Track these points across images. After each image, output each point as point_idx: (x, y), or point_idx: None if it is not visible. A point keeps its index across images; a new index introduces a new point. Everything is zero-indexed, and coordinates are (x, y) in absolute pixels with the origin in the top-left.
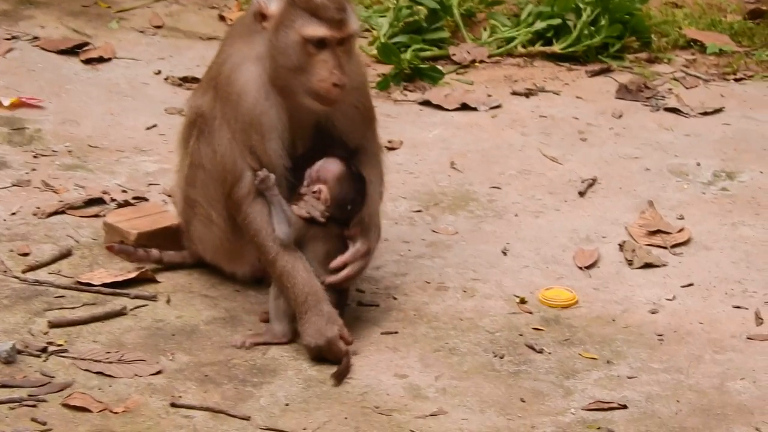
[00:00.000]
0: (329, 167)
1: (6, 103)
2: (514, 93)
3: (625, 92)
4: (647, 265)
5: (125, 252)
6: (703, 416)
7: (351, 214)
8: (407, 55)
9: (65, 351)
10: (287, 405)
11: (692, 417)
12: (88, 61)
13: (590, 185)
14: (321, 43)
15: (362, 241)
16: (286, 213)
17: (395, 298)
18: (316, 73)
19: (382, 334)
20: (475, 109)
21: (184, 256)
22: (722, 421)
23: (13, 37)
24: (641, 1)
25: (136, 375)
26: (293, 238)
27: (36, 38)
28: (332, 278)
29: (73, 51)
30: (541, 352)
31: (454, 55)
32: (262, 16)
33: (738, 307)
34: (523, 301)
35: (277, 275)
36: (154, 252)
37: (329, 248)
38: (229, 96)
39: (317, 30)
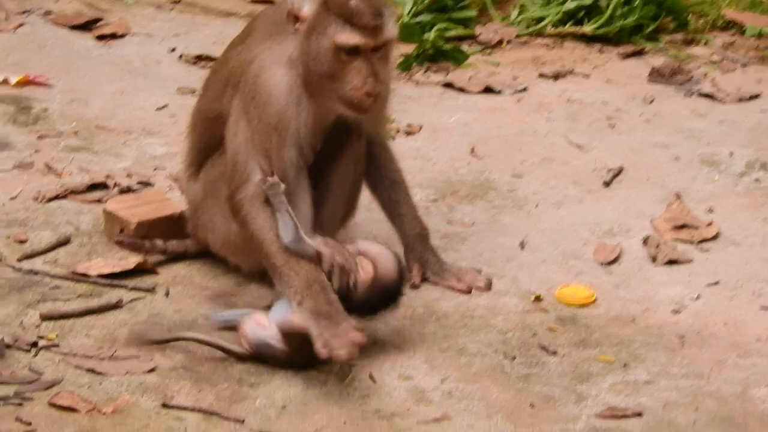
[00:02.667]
0: (383, 253)
1: (13, 81)
2: (542, 76)
3: (657, 76)
4: (672, 262)
5: (133, 245)
6: (723, 426)
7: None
8: (431, 34)
9: (56, 346)
10: (284, 407)
11: (711, 427)
12: (100, 38)
13: (616, 175)
14: (354, 51)
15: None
16: (292, 220)
17: (404, 294)
18: (349, 81)
19: (387, 332)
20: (499, 92)
21: (187, 246)
22: (743, 431)
23: (26, 11)
24: None
25: (128, 373)
26: (298, 247)
27: (49, 13)
28: None
29: (86, 27)
30: (554, 353)
31: (480, 34)
32: (295, 18)
33: (766, 308)
34: (538, 299)
35: (278, 274)
36: (159, 243)
37: None
38: (255, 96)
39: (351, 38)
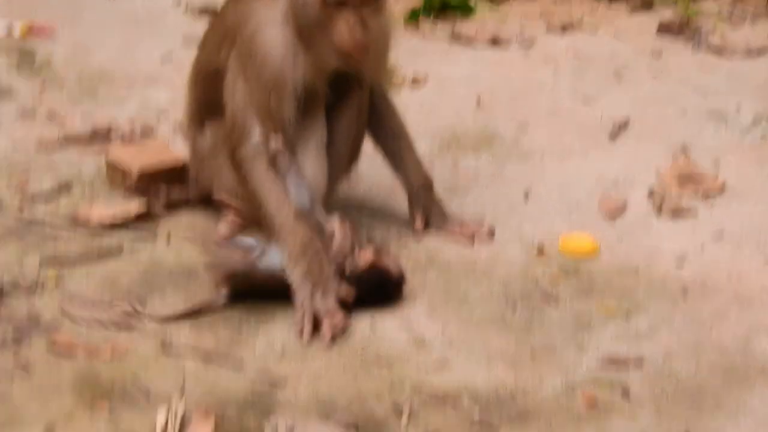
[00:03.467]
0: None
1: (17, 30)
2: (549, 29)
3: (666, 30)
4: (676, 214)
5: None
6: (724, 377)
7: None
8: None
9: (55, 290)
10: (283, 353)
11: (712, 377)
12: None
13: (622, 128)
14: (341, 2)
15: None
16: (303, 178)
17: (407, 242)
18: (337, 32)
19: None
20: (506, 45)
21: (189, 194)
22: (744, 382)
23: None
24: None
25: (127, 318)
26: (310, 213)
27: None
28: None
29: None
30: (556, 303)
31: None
32: None
33: None
34: (541, 249)
35: (275, 233)
36: (162, 189)
37: None
38: (252, 55)
39: None
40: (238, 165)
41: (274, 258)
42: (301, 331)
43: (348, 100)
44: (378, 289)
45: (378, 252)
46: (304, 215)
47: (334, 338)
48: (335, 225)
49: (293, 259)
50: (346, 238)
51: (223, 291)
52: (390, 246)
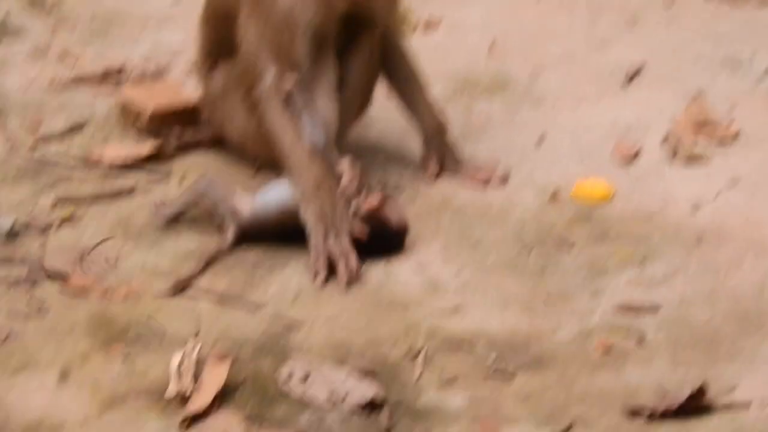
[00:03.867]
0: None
1: None
2: None
3: None
4: (691, 160)
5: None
6: (739, 323)
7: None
8: None
9: (69, 229)
10: (298, 296)
11: (727, 324)
12: None
13: (636, 73)
14: None
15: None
16: (316, 117)
17: (421, 186)
18: None
19: None
20: None
21: (202, 134)
22: (759, 329)
23: None
24: None
25: (141, 257)
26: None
27: None
28: None
29: None
30: (571, 248)
31: None
32: None
33: None
34: (555, 194)
35: (290, 170)
36: (175, 131)
37: None
38: None
39: None
40: (252, 105)
41: (276, 194)
42: (316, 275)
43: (360, 44)
44: (376, 238)
45: (384, 199)
46: (318, 154)
47: (350, 282)
48: (345, 166)
49: (307, 198)
50: (354, 180)
51: (230, 232)
52: (404, 190)
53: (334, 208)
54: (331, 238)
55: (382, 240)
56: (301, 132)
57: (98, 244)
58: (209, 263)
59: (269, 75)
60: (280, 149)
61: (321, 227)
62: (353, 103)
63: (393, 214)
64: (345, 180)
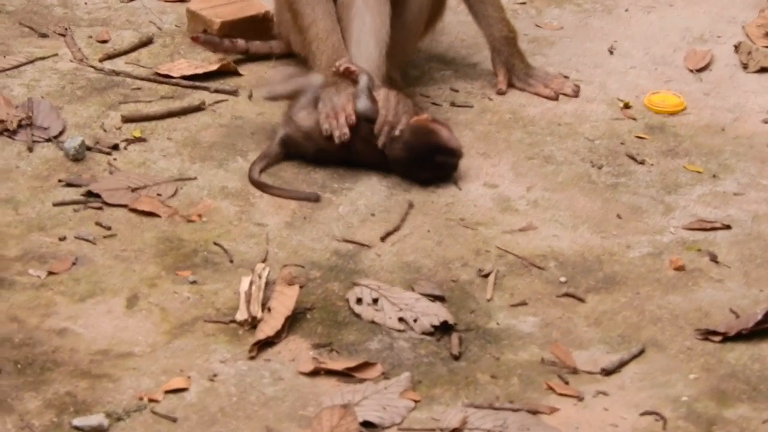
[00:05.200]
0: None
1: None
2: None
3: None
4: (764, 70)
5: (210, 43)
6: None
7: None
8: None
9: (137, 149)
10: (366, 216)
11: None
12: None
13: None
14: None
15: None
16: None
17: (491, 99)
18: None
19: (473, 138)
20: None
21: (272, 47)
22: None
23: None
24: None
25: (208, 178)
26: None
27: None
28: None
29: None
30: (642, 163)
31: None
32: None
33: None
34: (627, 106)
35: (308, 50)
36: (240, 42)
37: None
38: None
39: None
40: None
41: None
42: (327, 131)
43: None
44: (428, 156)
45: (433, 120)
46: (335, 30)
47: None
48: (380, 99)
49: (321, 74)
50: (391, 111)
51: (280, 134)
52: (471, 105)
53: (338, 88)
54: (333, 95)
55: (433, 160)
56: (321, 10)
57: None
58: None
59: None
60: (299, 26)
61: (327, 103)
62: (424, 11)
63: (443, 131)
64: (381, 118)
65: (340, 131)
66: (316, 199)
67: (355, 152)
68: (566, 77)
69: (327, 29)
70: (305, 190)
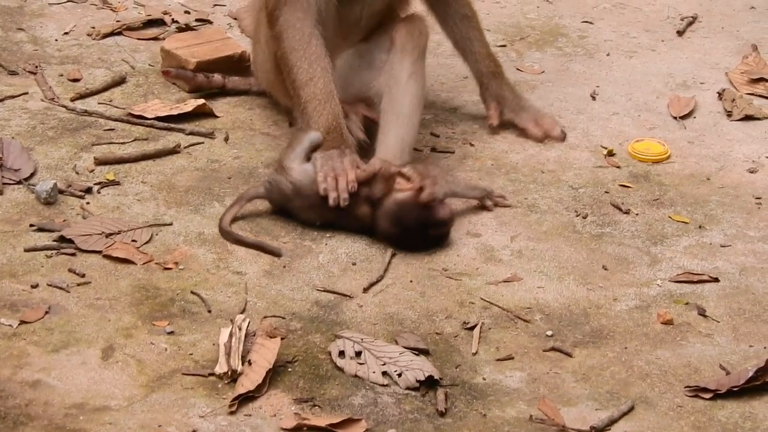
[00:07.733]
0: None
1: None
2: None
3: None
4: (748, 117)
5: (183, 77)
6: None
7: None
8: None
9: (110, 193)
10: (347, 265)
11: None
12: None
13: (690, 23)
14: None
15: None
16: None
17: (472, 145)
18: None
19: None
20: None
21: (250, 83)
22: None
23: None
24: None
25: (184, 223)
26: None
27: None
28: None
29: None
30: (627, 212)
31: None
32: None
33: None
34: (611, 153)
35: (301, 108)
36: (217, 77)
37: None
38: None
39: None
40: (274, 19)
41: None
42: (325, 191)
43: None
44: (420, 226)
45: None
46: (332, 95)
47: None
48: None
49: (316, 129)
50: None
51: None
52: (453, 150)
53: (343, 141)
54: (336, 158)
55: (425, 235)
56: (321, 60)
57: None
58: (238, 204)
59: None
60: (293, 79)
61: (325, 153)
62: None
63: (433, 204)
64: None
65: (340, 195)
66: (279, 254)
67: (344, 217)
68: (556, 120)
69: (326, 91)
70: (270, 244)
